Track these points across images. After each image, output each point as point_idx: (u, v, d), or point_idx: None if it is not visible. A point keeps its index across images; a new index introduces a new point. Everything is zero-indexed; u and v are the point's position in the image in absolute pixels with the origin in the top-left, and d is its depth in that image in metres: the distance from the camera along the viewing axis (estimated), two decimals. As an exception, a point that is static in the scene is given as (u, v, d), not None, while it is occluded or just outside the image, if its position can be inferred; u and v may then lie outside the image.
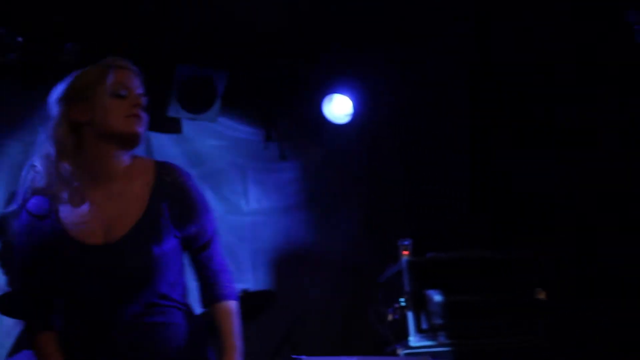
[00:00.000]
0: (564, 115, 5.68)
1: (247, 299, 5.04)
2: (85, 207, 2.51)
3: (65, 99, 2.55)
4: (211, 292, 2.64)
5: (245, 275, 5.96)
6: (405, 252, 5.20)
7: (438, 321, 5.01)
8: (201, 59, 5.71)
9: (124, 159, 2.56)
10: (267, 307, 5.19)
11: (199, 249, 2.64)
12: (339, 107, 6.05)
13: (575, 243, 5.69)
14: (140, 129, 2.54)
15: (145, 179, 2.57)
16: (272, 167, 6.22)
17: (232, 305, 2.64)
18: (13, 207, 2.56)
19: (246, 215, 6.14)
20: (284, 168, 6.24)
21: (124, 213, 2.51)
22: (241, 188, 6.13)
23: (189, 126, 5.94)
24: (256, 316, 5.11)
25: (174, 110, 5.73)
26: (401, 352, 4.97)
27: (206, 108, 5.79)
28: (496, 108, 6.01)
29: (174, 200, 2.55)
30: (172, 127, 5.85)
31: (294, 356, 4.15)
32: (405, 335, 5.03)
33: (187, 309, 2.63)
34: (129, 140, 2.54)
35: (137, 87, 2.59)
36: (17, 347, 3.98)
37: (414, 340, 4.99)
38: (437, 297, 5.03)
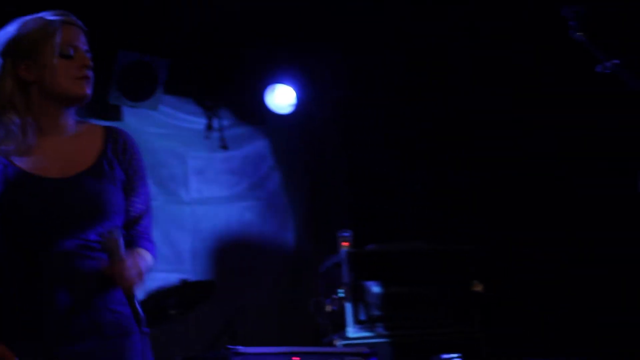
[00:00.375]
0: (499, 110, 5.77)
1: (187, 289, 5.03)
2: (39, 157, 2.50)
3: (9, 54, 2.51)
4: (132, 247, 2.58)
5: (185, 265, 5.93)
6: (345, 244, 5.22)
7: (376, 312, 5.05)
8: (143, 46, 5.65)
9: (72, 114, 2.57)
10: (206, 298, 5.17)
11: (133, 221, 2.61)
12: (282, 97, 6.02)
13: (511, 236, 5.79)
14: (89, 90, 2.54)
15: (96, 138, 2.59)
16: (213, 157, 6.18)
17: (148, 255, 2.60)
18: None
19: (186, 204, 6.10)
20: (225, 158, 6.21)
21: (78, 159, 2.53)
22: (182, 177, 6.09)
23: (129, 114, 5.87)
24: (195, 306, 5.08)
25: (115, 98, 5.67)
26: (338, 343, 4.99)
27: (147, 96, 5.74)
28: (437, 103, 6.07)
29: (123, 161, 2.59)
30: (113, 114, 5.78)
31: (229, 346, 4.15)
32: (343, 326, 5.05)
33: None
34: (78, 101, 2.55)
35: (83, 44, 2.57)
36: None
37: (351, 331, 5.02)
38: (375, 289, 5.07)
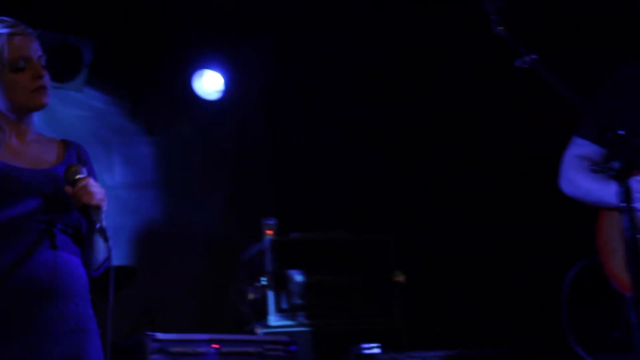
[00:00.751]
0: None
1: (108, 274, 4.94)
2: (9, 155, 2.55)
3: None
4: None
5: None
6: (269, 232, 5.21)
7: (298, 301, 5.06)
8: (68, 27, 5.54)
9: (32, 119, 2.64)
10: (128, 283, 5.10)
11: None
12: (209, 83, 5.97)
13: (431, 227, 5.85)
14: (47, 99, 2.58)
15: (55, 145, 2.68)
16: (138, 141, 6.10)
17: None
18: None
19: (111, 189, 5.98)
20: (150, 142, 6.14)
21: (44, 158, 2.61)
22: (106, 161, 5.99)
23: (53, 95, 5.73)
24: (116, 291, 5.01)
25: (38, 78, 5.55)
26: (260, 331, 4.99)
27: (71, 77, 5.63)
28: (362, 91, 6.09)
29: (80, 159, 2.67)
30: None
31: (148, 332, 4.11)
32: (265, 314, 5.05)
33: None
34: (36, 110, 2.61)
35: (35, 51, 2.58)
36: None
37: (273, 319, 5.01)
38: (298, 277, 5.07)
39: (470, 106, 5.73)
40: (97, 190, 2.52)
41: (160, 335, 4.12)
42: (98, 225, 2.49)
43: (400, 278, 5.15)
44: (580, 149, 2.96)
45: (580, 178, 2.90)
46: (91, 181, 2.52)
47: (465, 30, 4.97)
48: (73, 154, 2.67)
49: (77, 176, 2.51)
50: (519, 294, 5.49)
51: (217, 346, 4.22)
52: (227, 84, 5.98)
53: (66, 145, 2.70)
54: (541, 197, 4.34)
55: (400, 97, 6.02)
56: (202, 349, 4.18)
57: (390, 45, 5.83)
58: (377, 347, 4.64)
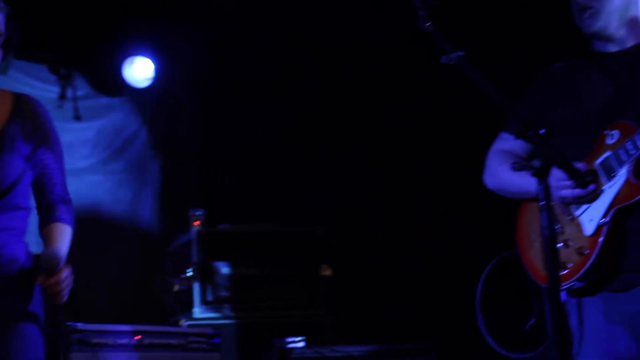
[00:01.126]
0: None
1: (33, 263, 4.84)
2: None
3: None
4: (48, 216, 2.71)
5: (33, 237, 5.71)
6: (197, 223, 5.16)
7: (224, 293, 5.03)
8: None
9: None
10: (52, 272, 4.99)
11: (43, 176, 2.71)
12: (140, 70, 5.88)
13: (359, 220, 5.87)
14: None
15: (3, 104, 2.67)
16: (66, 128, 5.94)
17: (67, 227, 2.72)
18: None
19: (37, 175, 5.88)
20: (79, 129, 6.01)
21: None
22: (32, 147, 5.85)
23: (-24, 78, 5.60)
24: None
25: (-40, 59, 5.39)
26: (184, 323, 4.94)
27: (-3, 59, 5.48)
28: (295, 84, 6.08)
29: (31, 125, 2.68)
30: (-43, 76, 5.50)
31: (69, 323, 4.04)
32: (190, 306, 5.00)
33: (27, 246, 2.72)
34: None
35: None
36: None
37: (198, 311, 4.98)
38: (224, 269, 5.04)
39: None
40: (66, 285, 2.53)
41: (81, 326, 4.05)
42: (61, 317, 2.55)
43: (327, 272, 5.14)
44: (505, 143, 2.99)
45: (503, 169, 2.92)
46: (64, 276, 2.51)
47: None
48: (13, 124, 2.63)
49: (52, 273, 2.48)
50: (446, 287, 5.54)
51: (138, 337, 4.16)
52: (157, 71, 5.90)
53: (13, 106, 2.68)
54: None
55: (330, 86, 6.02)
56: (123, 341, 4.11)
57: (320, 34, 5.81)
58: (301, 340, 4.63)
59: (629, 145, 2.64)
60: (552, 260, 2.24)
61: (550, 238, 2.26)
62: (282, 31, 5.85)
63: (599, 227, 2.67)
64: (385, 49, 5.65)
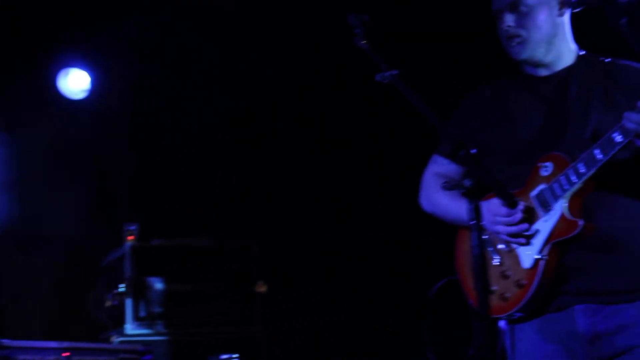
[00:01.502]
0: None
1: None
2: None
3: None
4: None
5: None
6: (131, 237, 5.09)
7: (157, 309, 4.97)
8: None
9: None
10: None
11: None
12: (75, 82, 5.81)
13: (294, 234, 5.86)
14: None
15: None
16: (-3, 139, 5.86)
17: None
18: None
19: (-35, 187, 5.75)
20: (9, 141, 5.90)
21: None
22: (-41, 159, 5.74)
23: None
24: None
25: None
26: (115, 339, 4.86)
27: None
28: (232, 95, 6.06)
29: None
30: None
31: (-3, 339, 3.94)
32: (122, 322, 4.93)
33: None
34: None
35: None
36: None
37: (130, 327, 4.91)
38: (157, 285, 4.98)
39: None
40: None
41: (6, 342, 3.95)
42: None
43: (262, 288, 5.11)
44: (439, 167, 2.99)
45: (439, 196, 2.93)
46: None
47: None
48: None
49: None
50: (384, 302, 5.56)
51: (67, 354, 4.08)
52: (92, 83, 5.82)
53: None
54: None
55: (266, 101, 6.02)
56: (50, 358, 4.02)
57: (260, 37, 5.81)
58: (235, 357, 4.60)
59: (562, 180, 2.66)
60: (481, 280, 2.25)
61: (479, 257, 2.28)
62: (214, 43, 5.84)
63: (536, 261, 2.68)
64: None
